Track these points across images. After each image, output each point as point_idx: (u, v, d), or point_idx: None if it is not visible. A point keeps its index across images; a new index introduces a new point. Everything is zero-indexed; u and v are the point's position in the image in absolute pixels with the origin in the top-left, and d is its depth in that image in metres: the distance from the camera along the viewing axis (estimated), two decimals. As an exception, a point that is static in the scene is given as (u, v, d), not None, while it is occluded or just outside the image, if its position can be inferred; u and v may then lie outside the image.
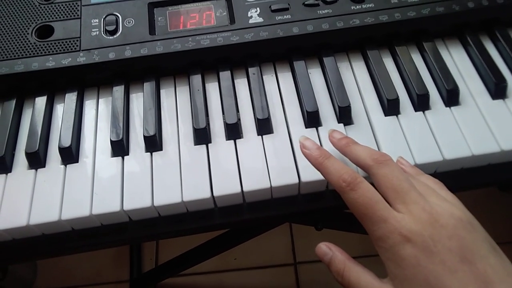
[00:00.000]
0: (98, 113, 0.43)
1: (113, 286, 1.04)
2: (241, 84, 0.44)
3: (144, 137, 0.39)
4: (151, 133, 0.39)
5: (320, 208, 0.40)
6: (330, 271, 0.33)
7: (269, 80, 0.44)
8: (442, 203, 0.30)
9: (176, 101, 0.43)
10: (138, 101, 0.43)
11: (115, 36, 0.43)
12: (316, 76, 0.44)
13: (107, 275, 1.06)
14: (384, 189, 0.31)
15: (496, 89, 0.42)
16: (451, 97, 0.41)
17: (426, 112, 0.41)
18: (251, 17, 0.44)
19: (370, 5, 0.45)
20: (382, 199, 0.30)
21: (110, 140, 0.39)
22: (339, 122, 0.41)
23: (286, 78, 0.44)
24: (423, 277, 0.27)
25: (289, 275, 1.05)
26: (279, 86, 0.44)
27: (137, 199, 0.37)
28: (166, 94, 0.44)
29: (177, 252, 0.90)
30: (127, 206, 0.36)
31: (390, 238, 0.29)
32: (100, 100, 0.44)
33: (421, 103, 0.41)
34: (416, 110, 0.41)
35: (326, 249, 0.33)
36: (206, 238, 0.83)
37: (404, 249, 0.28)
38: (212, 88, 0.44)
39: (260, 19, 0.44)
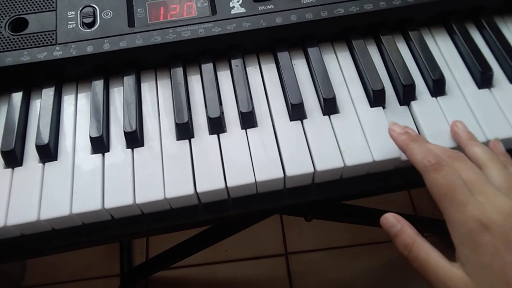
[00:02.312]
0: (77, 109, 0.42)
1: (104, 281, 1.04)
2: (224, 77, 0.43)
3: (125, 133, 0.38)
4: (132, 128, 0.38)
5: (306, 202, 0.39)
6: (395, 243, 0.32)
7: (253, 72, 0.43)
8: None
9: (157, 95, 0.42)
10: (119, 95, 0.42)
11: (92, 29, 0.42)
12: (300, 67, 0.44)
13: (97, 270, 1.05)
14: (455, 186, 0.30)
15: (482, 78, 0.41)
16: (437, 87, 0.41)
17: (412, 102, 0.40)
18: (233, 7, 0.43)
19: (355, -6, 0.44)
20: (464, 185, 0.30)
21: (90, 136, 0.38)
22: (324, 114, 0.40)
23: (270, 69, 0.44)
24: (500, 266, 0.27)
25: (280, 265, 1.06)
26: (263, 78, 0.43)
27: (119, 197, 0.36)
28: (148, 88, 0.43)
29: (167, 245, 0.90)
30: (108, 204, 0.35)
31: (469, 223, 0.28)
32: (79, 95, 0.42)
33: (407, 93, 0.41)
34: (401, 101, 0.41)
35: (394, 220, 0.33)
36: (197, 230, 0.82)
37: (483, 237, 0.28)
38: (195, 81, 0.43)
39: (243, 10, 0.43)
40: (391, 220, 0.33)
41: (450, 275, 0.29)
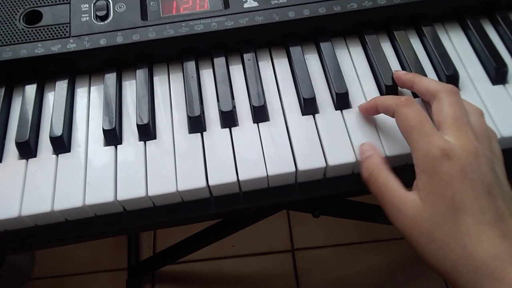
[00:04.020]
0: (90, 101, 0.42)
1: (111, 274, 1.05)
2: (236, 71, 0.43)
3: (138, 125, 0.38)
4: (145, 121, 0.38)
5: (317, 196, 0.39)
6: (362, 166, 0.35)
7: (265, 66, 0.43)
8: (488, 151, 0.32)
9: (169, 89, 0.42)
10: (131, 88, 0.42)
11: (106, 22, 0.42)
12: (313, 61, 0.43)
13: (105, 263, 1.06)
14: (445, 114, 0.32)
15: (497, 74, 0.41)
16: (451, 83, 0.40)
17: (425, 98, 0.40)
18: (246, 1, 0.43)
19: (368, -11, 0.44)
20: (431, 121, 0.32)
21: (103, 128, 0.38)
22: (336, 109, 0.40)
23: (282, 64, 0.43)
24: (451, 194, 0.29)
25: (287, 261, 1.06)
26: (275, 72, 0.43)
27: (131, 189, 0.36)
28: (160, 81, 0.43)
29: (175, 240, 0.90)
30: (121, 196, 0.36)
31: (432, 152, 0.30)
32: (92, 88, 0.43)
33: (420, 89, 0.40)
34: (415, 95, 0.40)
35: (368, 148, 0.36)
36: (204, 225, 0.83)
37: (442, 165, 0.30)
38: (207, 75, 0.43)
39: (255, 3, 0.43)
40: (365, 147, 0.36)
41: (403, 198, 0.31)
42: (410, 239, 0.31)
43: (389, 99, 0.35)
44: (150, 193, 0.36)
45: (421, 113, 0.32)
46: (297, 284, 1.04)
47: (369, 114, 0.39)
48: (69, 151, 0.39)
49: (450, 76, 0.41)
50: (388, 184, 0.32)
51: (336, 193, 0.39)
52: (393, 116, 0.35)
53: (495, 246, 0.28)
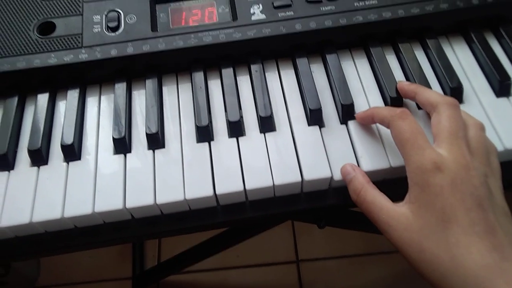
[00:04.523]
0: (100, 110, 0.43)
1: (116, 283, 1.05)
2: (244, 82, 0.44)
3: (147, 134, 0.39)
4: (153, 130, 0.39)
5: (323, 206, 0.39)
6: (348, 189, 0.36)
7: (272, 78, 0.44)
8: (483, 165, 0.32)
9: (178, 99, 0.43)
10: (140, 98, 0.43)
11: (117, 33, 0.43)
12: (319, 73, 0.44)
13: (110, 272, 1.06)
14: (442, 127, 0.33)
15: (501, 87, 0.41)
16: (455, 95, 0.41)
17: (430, 110, 0.41)
18: (254, 13, 0.44)
19: (374, 2, 0.44)
20: (425, 134, 0.33)
21: (113, 137, 0.39)
22: (342, 120, 0.41)
23: (288, 75, 0.44)
24: (441, 206, 0.30)
25: (291, 272, 1.05)
26: (281, 83, 0.44)
27: (140, 197, 0.36)
28: (169, 92, 0.44)
29: (179, 249, 0.90)
30: (130, 204, 0.36)
31: (424, 165, 0.31)
32: (102, 97, 0.44)
33: (424, 101, 0.41)
34: (419, 108, 0.41)
35: (350, 169, 0.36)
36: (208, 235, 0.83)
37: (434, 178, 0.30)
38: (215, 86, 0.44)
39: (263, 16, 0.44)
40: (348, 168, 0.36)
41: (392, 213, 0.32)
42: (402, 251, 0.31)
43: (385, 111, 0.36)
44: (158, 201, 0.36)
45: (415, 126, 0.33)
46: (301, 295, 1.03)
47: (365, 123, 0.39)
48: (79, 159, 0.39)
49: (454, 88, 0.41)
50: (376, 201, 0.33)
51: (341, 203, 0.39)
52: (388, 127, 0.35)
53: (485, 257, 0.28)
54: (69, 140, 0.39)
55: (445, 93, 0.42)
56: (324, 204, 0.39)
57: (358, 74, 0.44)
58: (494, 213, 0.30)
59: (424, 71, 0.43)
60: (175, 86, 0.44)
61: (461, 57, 0.45)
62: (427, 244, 0.30)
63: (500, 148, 0.38)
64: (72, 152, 0.39)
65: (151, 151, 0.39)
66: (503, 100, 0.41)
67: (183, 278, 1.06)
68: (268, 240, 1.07)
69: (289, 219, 0.72)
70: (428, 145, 0.32)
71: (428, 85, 0.42)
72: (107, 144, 0.40)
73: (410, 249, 0.31)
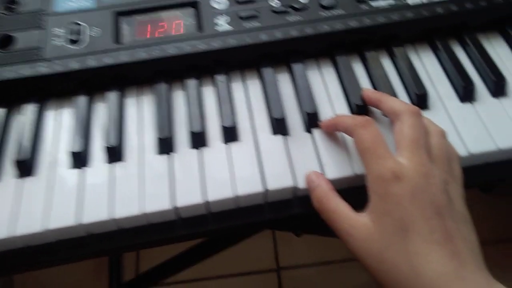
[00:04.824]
0: (60, 124, 0.42)
1: (93, 298, 1.02)
2: (209, 92, 0.43)
3: (106, 148, 0.38)
4: (113, 144, 0.38)
5: (288, 216, 0.39)
6: (311, 198, 0.35)
7: (237, 88, 0.44)
8: (443, 172, 0.32)
9: (141, 111, 0.42)
10: (102, 111, 0.42)
11: (79, 46, 0.43)
12: (284, 83, 0.44)
13: (86, 287, 1.03)
14: (404, 135, 0.33)
15: (465, 92, 0.41)
16: (421, 101, 0.41)
17: (396, 117, 0.40)
18: (220, 24, 0.44)
19: (340, 11, 0.44)
20: (386, 143, 0.32)
21: (70, 151, 0.38)
22: (307, 129, 0.40)
23: (254, 85, 0.44)
24: (400, 215, 0.30)
25: (272, 281, 1.04)
26: (247, 93, 0.43)
27: (96, 212, 0.35)
28: (131, 104, 0.43)
29: (159, 260, 0.88)
30: (86, 220, 0.35)
31: (384, 174, 0.31)
32: (62, 110, 0.43)
33: (390, 108, 0.40)
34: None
35: (314, 177, 0.36)
36: (188, 245, 0.81)
37: (393, 187, 0.30)
38: (179, 97, 0.43)
39: (229, 27, 0.44)
40: (312, 176, 0.36)
41: (354, 222, 0.32)
42: (362, 262, 0.31)
43: (348, 119, 0.36)
44: (117, 215, 0.35)
45: (376, 135, 0.33)
46: (282, 304, 1.01)
47: (330, 131, 0.39)
48: (34, 175, 0.38)
49: (420, 95, 0.41)
50: (338, 210, 0.33)
51: (307, 212, 0.38)
52: (351, 136, 0.35)
53: (444, 265, 0.28)
54: (24, 155, 0.38)
55: (411, 99, 0.42)
56: (289, 214, 0.39)
57: (324, 83, 0.44)
58: (453, 220, 0.30)
59: (391, 79, 0.43)
60: (139, 98, 0.43)
61: (427, 64, 0.45)
62: (387, 254, 0.30)
63: (464, 153, 0.38)
64: (26, 168, 0.38)
65: (110, 164, 0.38)
66: (467, 106, 0.41)
67: (162, 290, 1.04)
68: (248, 248, 1.05)
69: (261, 229, 0.71)
70: (389, 154, 0.32)
71: (393, 93, 0.41)
72: (64, 158, 0.39)
73: (370, 259, 0.30)
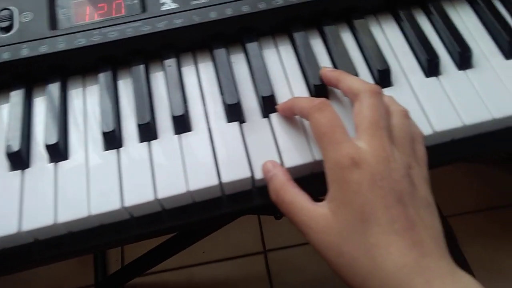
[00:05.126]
0: (-5, 122, 0.38)
1: (79, 292, 1.01)
2: (158, 78, 0.40)
3: (46, 146, 0.35)
4: (54, 141, 0.35)
5: (248, 207, 0.37)
6: (268, 188, 0.33)
7: (189, 72, 0.41)
8: (406, 156, 0.30)
9: (85, 103, 0.39)
10: (42, 105, 0.39)
11: (10, 33, 0.39)
12: (240, 64, 0.41)
13: (71, 282, 1.02)
14: (363, 117, 0.31)
15: (429, 66, 0.39)
16: (383, 78, 0.39)
17: (357, 96, 0.38)
18: (164, 3, 0.40)
19: (295, -17, 0.41)
20: (344, 127, 0.30)
21: (6, 152, 0.35)
22: (264, 114, 0.38)
23: (207, 69, 0.41)
24: (360, 204, 0.28)
25: (259, 263, 1.04)
26: (199, 78, 0.40)
27: (38, 217, 0.33)
28: (75, 95, 0.40)
29: (143, 250, 0.87)
30: (26, 227, 0.32)
31: (341, 161, 0.29)
32: (-1, 106, 0.39)
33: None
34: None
35: (271, 166, 0.34)
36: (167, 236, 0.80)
37: (351, 174, 0.28)
38: (125, 86, 0.40)
39: (174, 5, 0.40)
40: (268, 165, 0.34)
41: (312, 214, 0.30)
42: (322, 255, 0.29)
43: (304, 102, 0.33)
44: (59, 220, 0.33)
45: (333, 119, 0.31)
46: (270, 285, 1.02)
47: (287, 115, 0.36)
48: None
49: (382, 71, 0.39)
50: (295, 201, 0.31)
51: (268, 203, 0.36)
52: (308, 120, 0.32)
53: (404, 256, 0.26)
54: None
55: (373, 76, 0.40)
56: (249, 205, 0.37)
57: (281, 62, 0.41)
58: (414, 207, 0.28)
59: (352, 55, 0.40)
60: (82, 89, 0.40)
61: (390, 37, 0.42)
62: (347, 247, 0.28)
63: (429, 131, 0.36)
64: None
65: (52, 164, 0.35)
66: (432, 80, 0.39)
67: (149, 279, 1.04)
68: (234, 233, 1.05)
69: (240, 215, 0.70)
70: (346, 139, 0.30)
71: (354, 70, 0.39)
72: (1, 159, 0.36)
73: (330, 252, 0.29)
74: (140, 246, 0.96)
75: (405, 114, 0.33)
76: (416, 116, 0.36)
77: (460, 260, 0.96)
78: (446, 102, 0.37)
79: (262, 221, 1.09)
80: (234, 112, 0.37)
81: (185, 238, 0.85)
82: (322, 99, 0.32)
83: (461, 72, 0.39)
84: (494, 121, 0.37)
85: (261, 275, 1.03)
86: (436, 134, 0.36)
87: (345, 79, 0.35)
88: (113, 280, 0.99)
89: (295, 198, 0.31)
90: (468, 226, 1.04)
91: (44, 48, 0.38)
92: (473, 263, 0.95)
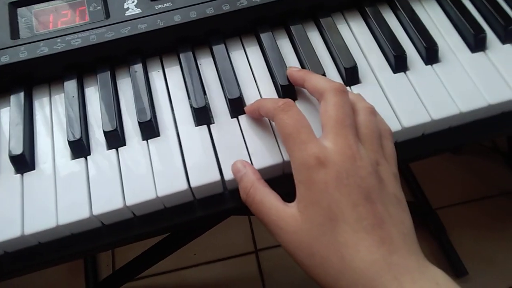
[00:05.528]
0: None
1: (70, 299, 1.00)
2: (124, 85, 0.40)
3: (10, 157, 0.35)
4: (18, 152, 0.35)
5: (221, 211, 0.36)
6: (239, 188, 0.33)
7: (156, 77, 0.40)
8: (373, 153, 0.30)
9: (51, 111, 0.39)
10: (5, 116, 0.38)
11: (-30, 45, 0.38)
12: (207, 66, 0.41)
13: (63, 286, 1.01)
14: (328, 116, 0.31)
15: (396, 62, 0.39)
16: (350, 75, 0.39)
17: (324, 94, 0.38)
18: (128, 8, 0.40)
19: (259, -17, 0.41)
20: (310, 127, 0.30)
21: (-30, 166, 0.35)
22: (232, 117, 0.37)
23: (174, 72, 0.40)
24: (327, 203, 0.28)
25: (251, 263, 1.04)
26: (166, 82, 0.40)
27: (7, 228, 0.32)
28: (40, 105, 0.39)
29: (134, 254, 0.87)
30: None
31: (307, 161, 0.29)
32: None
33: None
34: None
35: (241, 166, 0.33)
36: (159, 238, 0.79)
37: (317, 174, 0.28)
38: (91, 93, 0.39)
39: (138, 10, 0.40)
40: (238, 165, 0.33)
41: (282, 214, 0.29)
42: (293, 257, 0.29)
43: (269, 103, 0.33)
44: (27, 231, 0.32)
45: (298, 119, 0.30)
46: (263, 285, 1.02)
47: (255, 117, 0.36)
48: None
49: (349, 69, 0.39)
50: (265, 201, 0.30)
51: (241, 206, 0.36)
52: (273, 121, 0.32)
53: (372, 253, 0.26)
54: None
55: (340, 74, 0.39)
56: (223, 209, 0.36)
57: (249, 63, 0.41)
58: (383, 204, 0.28)
59: (319, 53, 0.40)
60: (48, 97, 0.40)
61: (357, 34, 0.42)
62: (317, 247, 0.28)
63: (397, 127, 0.36)
64: None
65: (18, 175, 0.35)
66: (400, 76, 0.39)
67: (140, 284, 1.03)
68: (225, 233, 1.05)
69: (225, 217, 0.69)
70: (312, 139, 0.30)
71: (321, 69, 0.39)
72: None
73: (301, 253, 0.28)
74: (131, 250, 0.96)
75: (372, 111, 0.33)
76: (385, 113, 0.36)
77: (451, 252, 0.96)
78: (414, 97, 0.37)
79: (252, 220, 1.09)
80: (202, 116, 0.37)
81: (175, 240, 0.85)
82: (287, 100, 0.32)
83: (428, 67, 0.39)
84: (462, 114, 0.37)
85: (253, 275, 1.03)
86: (405, 130, 0.36)
87: (311, 79, 0.34)
88: (104, 286, 0.98)
89: (265, 197, 0.31)
90: (458, 217, 1.05)
91: (5, 58, 0.37)
92: (463, 255, 0.95)
